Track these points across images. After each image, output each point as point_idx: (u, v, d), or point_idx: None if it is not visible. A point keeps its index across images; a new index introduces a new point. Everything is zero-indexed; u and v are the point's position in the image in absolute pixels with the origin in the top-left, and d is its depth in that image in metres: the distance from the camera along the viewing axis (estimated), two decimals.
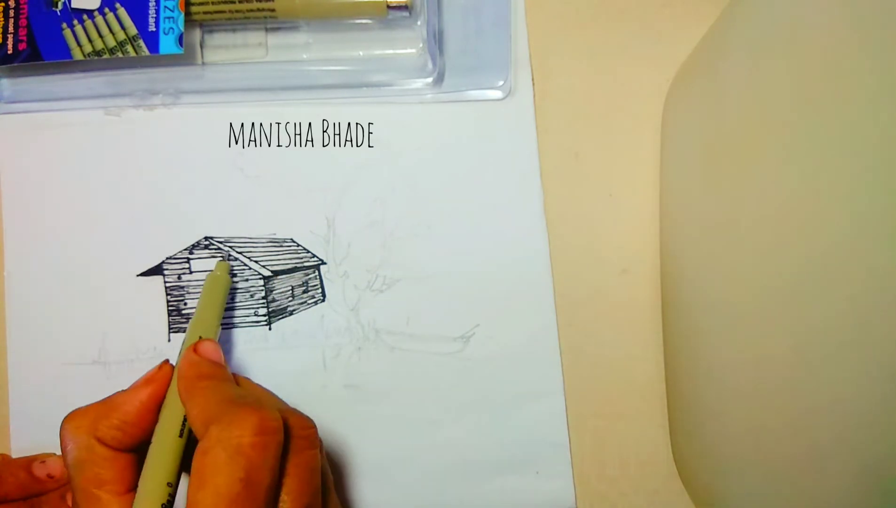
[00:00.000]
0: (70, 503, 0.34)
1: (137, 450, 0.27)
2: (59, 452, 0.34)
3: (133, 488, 0.26)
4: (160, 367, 0.29)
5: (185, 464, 0.27)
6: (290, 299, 0.36)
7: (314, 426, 0.28)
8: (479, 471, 0.35)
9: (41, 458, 0.34)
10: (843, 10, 0.21)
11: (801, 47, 0.23)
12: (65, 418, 0.27)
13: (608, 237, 0.37)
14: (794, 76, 0.23)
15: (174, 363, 0.29)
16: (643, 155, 0.37)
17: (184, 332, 0.36)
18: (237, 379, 0.30)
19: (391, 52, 0.36)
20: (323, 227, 0.36)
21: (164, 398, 0.28)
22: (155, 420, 0.27)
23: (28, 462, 0.34)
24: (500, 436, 0.36)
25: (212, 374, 0.28)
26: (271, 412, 0.25)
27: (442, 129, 0.37)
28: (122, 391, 0.28)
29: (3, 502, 0.33)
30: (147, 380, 0.28)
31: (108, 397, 0.28)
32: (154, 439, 0.27)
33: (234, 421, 0.24)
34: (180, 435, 0.27)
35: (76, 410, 0.27)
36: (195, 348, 0.29)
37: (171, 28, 0.33)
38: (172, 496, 0.26)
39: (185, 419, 0.27)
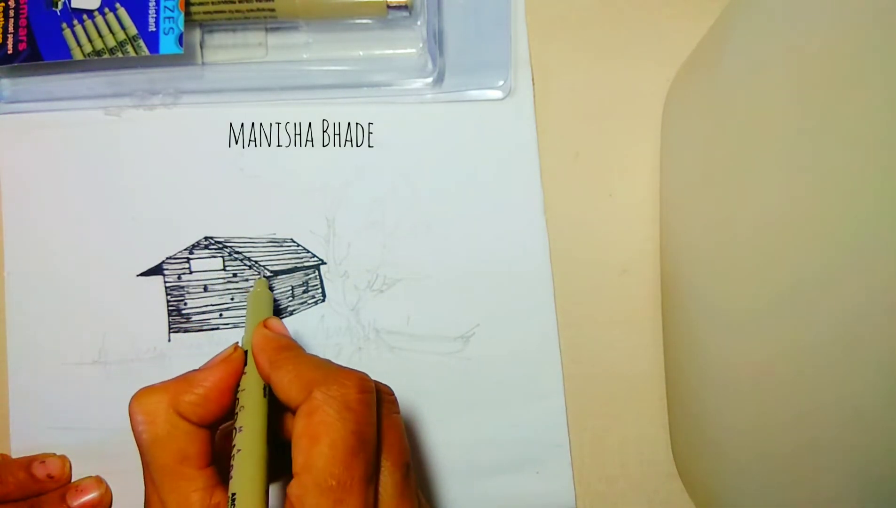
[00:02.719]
0: (70, 503, 0.34)
1: (212, 427, 0.27)
2: (58, 452, 0.35)
3: (211, 462, 0.26)
4: (234, 348, 0.28)
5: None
6: (290, 299, 0.36)
7: (394, 393, 0.28)
8: (479, 471, 0.35)
9: (41, 458, 0.34)
10: (842, 10, 0.21)
11: (801, 47, 0.23)
12: (137, 395, 0.26)
13: (608, 237, 0.37)
14: (794, 76, 0.23)
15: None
16: (643, 155, 0.37)
17: (184, 332, 0.36)
18: None
19: (391, 52, 0.36)
20: (323, 227, 0.36)
21: (239, 378, 0.28)
22: (231, 399, 0.27)
23: (28, 462, 0.34)
24: (500, 436, 0.36)
25: (291, 345, 0.28)
26: (365, 374, 0.26)
27: (442, 129, 0.37)
28: (197, 369, 0.28)
29: (3, 502, 0.33)
30: (223, 359, 0.28)
31: (184, 374, 0.27)
32: (243, 418, 0.26)
33: (338, 380, 0.25)
34: (265, 420, 0.27)
35: (149, 387, 0.27)
36: (265, 324, 0.29)
37: (171, 28, 0.33)
38: (268, 483, 0.26)
39: (267, 404, 0.27)
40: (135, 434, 0.26)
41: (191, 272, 0.36)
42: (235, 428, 0.26)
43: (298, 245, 0.36)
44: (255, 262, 0.36)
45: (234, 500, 0.24)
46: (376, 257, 0.36)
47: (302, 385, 0.25)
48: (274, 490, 0.27)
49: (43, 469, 0.34)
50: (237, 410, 0.27)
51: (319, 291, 0.36)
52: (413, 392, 0.36)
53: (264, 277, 0.36)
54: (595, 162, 0.37)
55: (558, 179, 0.37)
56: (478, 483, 0.35)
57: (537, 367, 0.36)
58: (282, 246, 0.36)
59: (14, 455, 0.35)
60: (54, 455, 0.35)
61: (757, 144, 0.26)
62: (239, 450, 0.25)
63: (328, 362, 0.27)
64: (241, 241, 0.36)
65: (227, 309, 0.36)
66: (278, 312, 0.36)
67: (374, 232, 0.36)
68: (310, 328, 0.36)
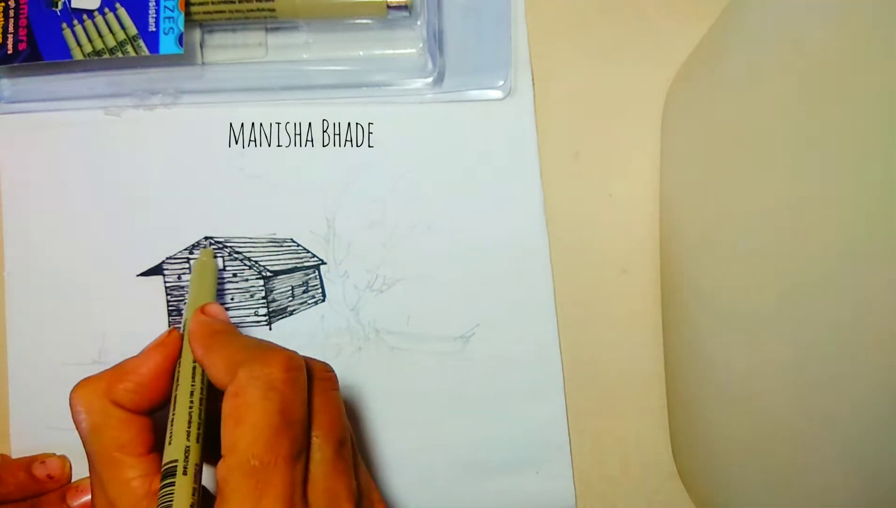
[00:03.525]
0: (70, 503, 0.34)
1: (150, 414, 0.27)
2: (58, 452, 0.35)
3: (152, 450, 0.26)
4: (169, 333, 0.28)
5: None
6: (290, 299, 0.36)
7: (333, 371, 0.28)
8: (479, 471, 0.35)
9: (41, 458, 0.34)
10: (842, 10, 0.21)
11: (800, 47, 0.23)
12: (75, 386, 0.27)
13: (608, 237, 0.37)
14: (794, 76, 0.23)
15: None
16: (643, 155, 0.37)
17: None
18: None
19: (391, 52, 0.36)
20: (323, 227, 0.36)
21: (176, 362, 0.28)
22: (169, 384, 0.27)
23: (28, 463, 0.34)
24: (500, 436, 0.36)
25: (225, 329, 0.28)
26: (294, 352, 0.26)
27: (442, 129, 0.37)
28: (133, 356, 0.28)
29: (3, 502, 0.33)
30: (158, 344, 0.28)
31: (120, 363, 0.27)
32: (177, 401, 0.27)
33: (263, 360, 0.25)
34: (200, 400, 0.27)
35: (86, 378, 0.27)
36: (202, 309, 0.29)
37: (171, 28, 0.33)
38: (200, 459, 0.26)
39: (201, 385, 0.27)
40: (75, 425, 0.26)
41: (191, 272, 0.36)
42: (171, 398, 0.27)
43: (298, 245, 0.36)
44: (255, 262, 0.36)
45: (168, 469, 0.24)
46: (376, 257, 0.36)
47: (228, 367, 0.25)
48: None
49: (43, 469, 0.34)
50: (174, 387, 0.27)
51: (319, 291, 0.36)
52: (413, 392, 0.36)
53: (264, 276, 0.36)
54: (595, 162, 0.37)
55: (558, 179, 0.37)
56: (478, 483, 0.35)
57: (537, 367, 0.36)
58: (282, 246, 0.36)
59: (14, 455, 0.35)
60: (54, 455, 0.35)
61: (757, 143, 0.26)
62: (172, 419, 0.26)
63: (259, 342, 0.27)
64: (241, 241, 0.36)
65: (227, 309, 0.36)
66: (278, 313, 0.36)
67: (374, 232, 0.36)
68: (310, 328, 0.36)
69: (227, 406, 0.24)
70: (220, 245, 0.36)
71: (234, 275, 0.36)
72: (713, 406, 0.31)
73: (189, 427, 0.26)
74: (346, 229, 0.36)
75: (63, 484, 0.34)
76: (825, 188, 0.21)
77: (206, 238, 0.36)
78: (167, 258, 0.36)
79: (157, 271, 0.36)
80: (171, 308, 0.36)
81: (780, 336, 0.24)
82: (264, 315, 0.36)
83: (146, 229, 0.36)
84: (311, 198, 0.36)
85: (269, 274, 0.36)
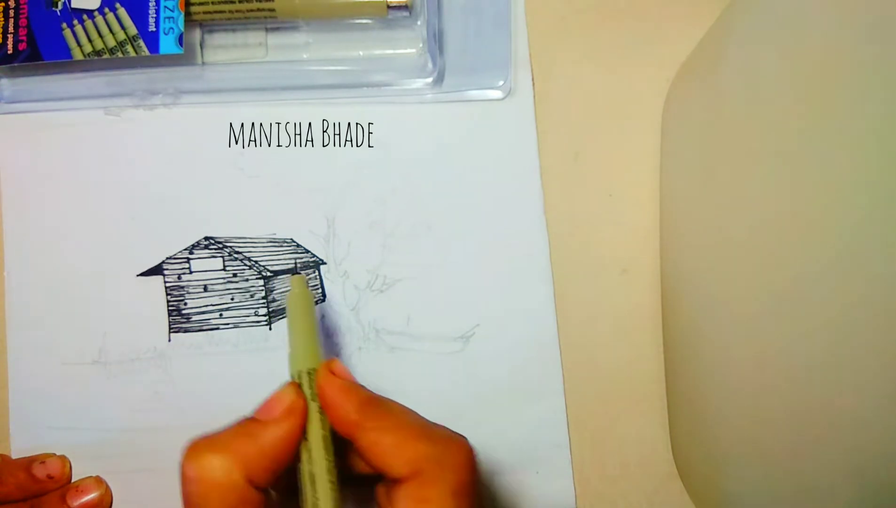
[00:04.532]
0: (70, 503, 0.34)
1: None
2: (58, 452, 0.35)
3: None
4: (295, 393, 0.25)
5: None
6: None
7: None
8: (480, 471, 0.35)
9: (41, 458, 0.34)
10: (842, 11, 0.21)
11: (800, 47, 0.23)
12: (195, 453, 0.23)
13: (608, 237, 0.37)
14: (794, 76, 0.23)
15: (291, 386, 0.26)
16: (643, 155, 0.37)
17: (184, 332, 0.36)
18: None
19: (391, 52, 0.36)
20: (323, 227, 0.36)
21: (303, 429, 0.25)
22: (294, 453, 0.24)
23: (28, 463, 0.34)
24: (500, 436, 0.36)
25: (375, 398, 0.25)
26: (465, 439, 0.25)
27: (442, 129, 0.37)
28: (259, 421, 0.24)
29: (3, 502, 0.33)
30: (288, 411, 0.24)
31: (245, 427, 0.24)
32: (315, 479, 0.24)
33: (448, 457, 0.24)
34: (335, 475, 0.24)
35: (208, 443, 0.23)
36: (332, 370, 0.25)
37: (171, 28, 0.33)
38: None
39: (331, 456, 0.25)
40: (185, 497, 0.23)
41: (191, 272, 0.36)
42: (302, 472, 0.24)
43: (298, 245, 0.36)
44: (255, 262, 0.36)
45: None
46: (376, 257, 0.36)
47: (406, 459, 0.23)
48: None
49: (43, 469, 0.34)
50: (304, 459, 0.25)
51: (319, 291, 0.36)
52: (413, 392, 0.36)
53: (264, 276, 0.36)
54: (595, 162, 0.37)
55: (558, 179, 0.37)
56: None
57: (537, 367, 0.36)
58: (282, 246, 0.36)
59: (14, 455, 0.35)
60: (54, 455, 0.35)
61: (756, 143, 0.26)
62: (315, 503, 0.23)
63: (426, 425, 0.25)
64: (241, 241, 0.36)
65: (227, 309, 0.36)
66: (278, 313, 0.36)
67: (374, 232, 0.36)
68: None
69: (407, 504, 0.23)
70: (220, 245, 0.36)
71: (234, 275, 0.36)
72: (713, 406, 0.31)
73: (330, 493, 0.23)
74: (346, 229, 0.36)
75: (63, 484, 0.34)
76: (824, 187, 0.21)
77: (206, 238, 0.36)
78: (167, 258, 0.36)
79: (157, 271, 0.36)
80: (170, 308, 0.36)
81: (781, 335, 0.24)
82: (264, 315, 0.36)
83: (146, 229, 0.36)
84: (311, 198, 0.36)
85: (269, 274, 0.36)
